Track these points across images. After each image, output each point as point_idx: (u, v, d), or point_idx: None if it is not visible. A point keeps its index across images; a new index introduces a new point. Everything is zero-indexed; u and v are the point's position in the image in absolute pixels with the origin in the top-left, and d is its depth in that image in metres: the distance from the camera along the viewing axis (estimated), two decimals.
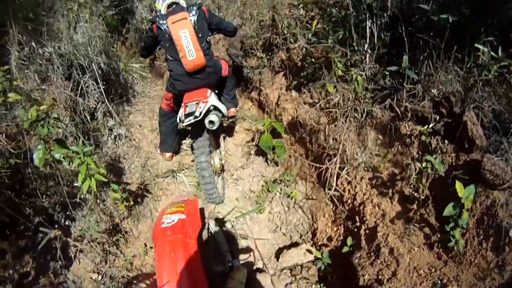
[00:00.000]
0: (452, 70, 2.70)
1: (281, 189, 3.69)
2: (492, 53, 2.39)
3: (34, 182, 3.08)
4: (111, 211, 3.34)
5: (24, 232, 3.04)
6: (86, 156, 2.62)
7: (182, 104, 3.21)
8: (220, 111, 3.31)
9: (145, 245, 3.32)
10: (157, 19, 3.17)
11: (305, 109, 3.68)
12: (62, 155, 2.65)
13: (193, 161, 3.96)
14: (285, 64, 4.20)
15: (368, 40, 3.16)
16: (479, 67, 2.50)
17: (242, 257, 3.21)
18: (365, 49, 3.18)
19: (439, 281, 2.20)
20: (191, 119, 3.02)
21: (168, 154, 3.91)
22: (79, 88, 3.72)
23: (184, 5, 3.34)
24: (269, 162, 3.95)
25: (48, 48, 3.57)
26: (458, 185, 2.17)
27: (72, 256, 3.07)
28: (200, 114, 3.04)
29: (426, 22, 2.84)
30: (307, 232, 3.40)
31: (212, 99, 3.27)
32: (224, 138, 4.14)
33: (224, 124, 4.30)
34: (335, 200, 3.22)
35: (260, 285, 2.85)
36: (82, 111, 3.68)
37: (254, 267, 3.16)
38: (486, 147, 2.38)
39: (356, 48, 3.26)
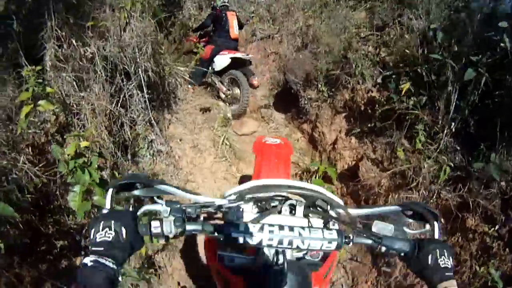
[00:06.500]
0: None
1: None
2: None
3: (60, 199, 2.95)
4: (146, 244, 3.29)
5: (46, 255, 2.96)
6: None
7: (227, 52, 5.36)
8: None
9: (178, 283, 3.31)
10: (222, 8, 5.60)
11: (367, 166, 3.68)
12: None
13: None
14: (347, 105, 4.16)
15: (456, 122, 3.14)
16: None
17: None
18: (451, 128, 3.15)
19: None
20: (245, 56, 5.39)
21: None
22: (121, 96, 3.53)
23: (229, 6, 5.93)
24: None
25: (91, 48, 3.30)
26: None
27: None
28: (248, 55, 5.52)
29: None
30: None
31: None
32: None
33: None
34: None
35: None
36: (121, 124, 3.55)
37: None
38: None
39: (440, 122, 3.23)
